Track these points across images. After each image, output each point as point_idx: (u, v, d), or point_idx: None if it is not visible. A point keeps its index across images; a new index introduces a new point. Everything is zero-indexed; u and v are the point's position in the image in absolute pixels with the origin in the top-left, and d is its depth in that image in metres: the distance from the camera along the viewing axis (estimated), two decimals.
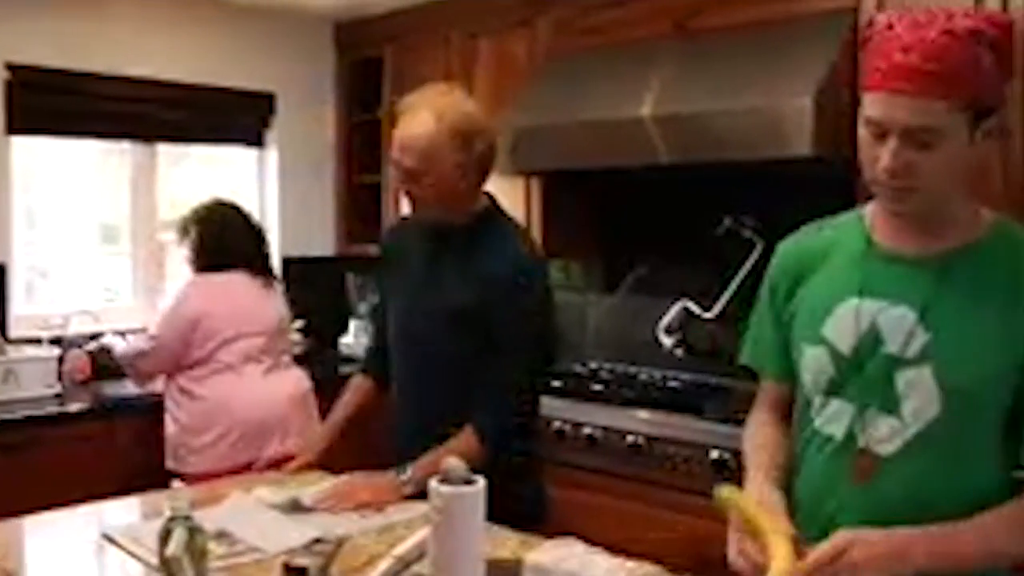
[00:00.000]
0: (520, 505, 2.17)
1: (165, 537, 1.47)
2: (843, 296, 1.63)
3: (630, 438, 3.36)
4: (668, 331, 4.01)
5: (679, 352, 3.99)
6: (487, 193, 2.43)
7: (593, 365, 4.22)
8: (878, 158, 1.49)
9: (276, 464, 2.72)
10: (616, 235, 4.29)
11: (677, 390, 3.71)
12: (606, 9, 3.89)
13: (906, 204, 1.54)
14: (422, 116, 2.22)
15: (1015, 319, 1.48)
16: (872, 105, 1.48)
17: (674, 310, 3.98)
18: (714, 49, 3.49)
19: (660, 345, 4.03)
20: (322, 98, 5.07)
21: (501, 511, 1.83)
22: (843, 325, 1.62)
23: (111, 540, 1.98)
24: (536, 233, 4.17)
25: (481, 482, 1.26)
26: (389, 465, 2.29)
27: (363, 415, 2.61)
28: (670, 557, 1.91)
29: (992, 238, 1.55)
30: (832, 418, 1.64)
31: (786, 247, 1.82)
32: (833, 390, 1.64)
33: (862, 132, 1.52)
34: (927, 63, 1.42)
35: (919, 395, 1.52)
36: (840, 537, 1.47)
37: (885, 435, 1.56)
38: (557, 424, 3.57)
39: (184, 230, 3.59)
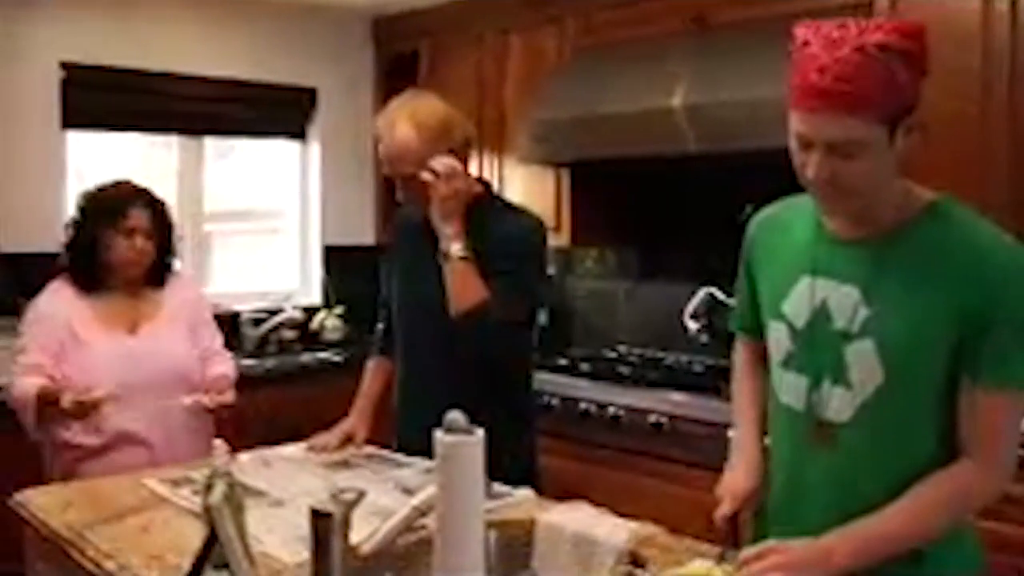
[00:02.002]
0: (510, 473, 2.28)
1: (208, 487, 1.64)
2: (799, 275, 1.76)
3: (652, 418, 3.50)
4: (694, 316, 4.14)
5: (704, 337, 4.12)
6: (481, 179, 2.62)
7: (622, 350, 4.36)
8: (806, 165, 1.60)
9: None
10: (642, 224, 4.41)
11: (700, 373, 3.84)
12: (631, 6, 4.02)
13: (836, 206, 1.66)
14: (400, 126, 2.41)
15: (943, 294, 1.58)
16: (795, 121, 1.58)
17: (699, 296, 4.11)
18: (739, 42, 3.60)
19: (686, 330, 4.16)
20: (361, 92, 5.23)
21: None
22: (799, 302, 1.75)
23: (157, 493, 2.21)
24: (566, 222, 4.30)
25: (480, 432, 1.40)
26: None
27: (388, 393, 2.77)
28: (683, 529, 2.04)
29: (926, 218, 1.64)
30: (790, 390, 1.78)
31: (756, 220, 1.96)
32: (790, 363, 1.78)
33: (792, 143, 1.62)
34: (840, 84, 1.49)
35: (864, 366, 1.65)
36: (764, 545, 1.62)
37: (838, 404, 1.69)
38: (583, 405, 3.71)
39: (165, 222, 2.95)
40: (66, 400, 2.53)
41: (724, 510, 1.88)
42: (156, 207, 2.89)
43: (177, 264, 3.04)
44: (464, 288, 2.36)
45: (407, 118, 2.42)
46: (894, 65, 1.49)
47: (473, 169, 4.48)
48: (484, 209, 2.50)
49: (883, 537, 1.59)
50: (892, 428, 1.66)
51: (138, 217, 2.82)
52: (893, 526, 1.59)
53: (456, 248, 2.35)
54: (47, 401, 2.60)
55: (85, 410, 2.54)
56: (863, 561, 1.59)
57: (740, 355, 2.05)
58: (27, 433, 2.74)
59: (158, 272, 2.92)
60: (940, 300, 1.59)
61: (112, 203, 2.84)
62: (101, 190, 2.90)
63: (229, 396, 2.82)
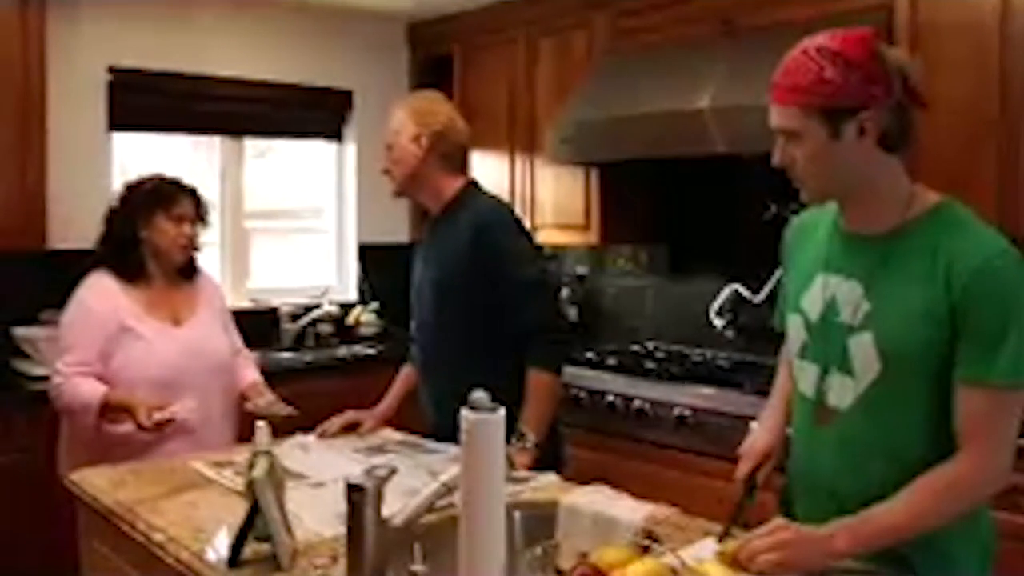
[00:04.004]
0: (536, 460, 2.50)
1: (251, 465, 1.77)
2: (816, 271, 1.88)
3: (677, 411, 3.59)
4: (720, 313, 4.23)
5: (730, 333, 4.20)
6: (471, 180, 2.79)
7: (649, 345, 4.46)
8: None
9: None
10: (670, 222, 4.51)
11: (725, 368, 3.92)
12: (660, 10, 4.11)
13: (804, 193, 1.80)
14: (398, 107, 2.75)
15: (934, 293, 1.68)
16: None
17: (725, 293, 4.20)
18: (767, 46, 3.63)
19: (712, 326, 4.25)
20: (397, 94, 5.32)
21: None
22: (813, 296, 1.86)
23: (203, 474, 2.37)
24: (595, 221, 4.41)
25: (502, 410, 1.51)
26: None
27: (411, 399, 2.95)
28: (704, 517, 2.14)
29: (926, 219, 1.74)
30: (805, 378, 1.89)
31: (791, 224, 2.07)
32: (805, 353, 1.89)
33: None
34: (783, 78, 1.72)
35: (864, 357, 1.75)
36: (774, 523, 1.72)
37: (842, 391, 1.80)
38: (609, 398, 3.82)
39: (204, 215, 3.03)
40: (143, 415, 2.61)
41: (742, 470, 2.03)
42: (198, 197, 2.98)
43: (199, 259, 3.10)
44: (549, 408, 2.61)
45: (404, 100, 2.81)
46: (823, 63, 1.67)
47: (503, 167, 4.64)
48: (459, 207, 2.73)
49: (881, 529, 1.68)
50: (888, 415, 1.75)
51: (186, 205, 2.90)
52: (889, 519, 1.68)
53: (532, 441, 2.53)
54: (114, 408, 2.69)
55: (161, 428, 2.64)
56: (861, 549, 1.68)
57: (783, 353, 2.16)
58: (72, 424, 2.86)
59: (191, 265, 3.00)
60: (932, 298, 1.68)
61: (162, 190, 2.91)
62: (145, 180, 2.96)
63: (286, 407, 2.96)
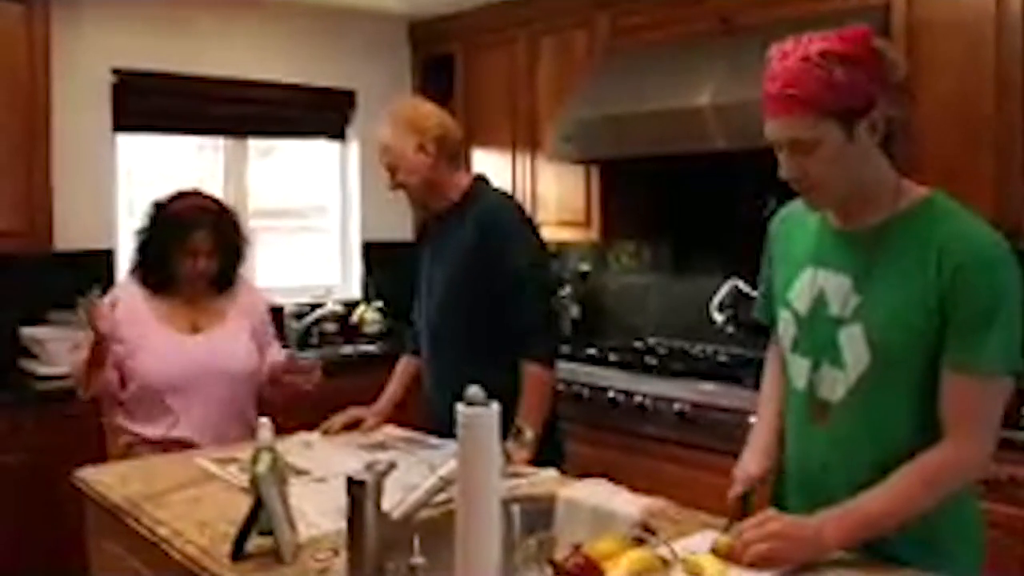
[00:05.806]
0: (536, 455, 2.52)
1: (254, 461, 1.81)
2: (804, 266, 1.90)
3: (677, 406, 3.63)
4: (720, 308, 4.25)
5: (730, 328, 4.23)
6: (479, 176, 2.84)
7: (651, 341, 4.49)
8: (780, 166, 1.77)
9: None
10: (670, 219, 4.54)
11: (724, 363, 3.96)
12: (659, 8, 4.15)
13: (814, 200, 1.80)
14: (383, 126, 2.73)
15: (923, 284, 1.70)
16: (766, 127, 1.74)
17: (725, 288, 4.22)
18: (763, 43, 3.66)
19: (713, 322, 4.27)
20: (399, 94, 5.34)
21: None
22: (802, 291, 1.89)
23: (207, 470, 2.41)
24: (596, 218, 4.44)
25: (495, 405, 1.55)
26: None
27: (413, 389, 3.00)
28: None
29: (915, 212, 1.76)
30: (796, 372, 1.91)
31: (777, 216, 2.08)
32: (796, 347, 1.91)
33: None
34: (787, 88, 1.67)
35: (854, 349, 1.78)
36: (764, 514, 1.76)
37: (833, 384, 1.82)
38: (611, 393, 3.85)
39: (229, 237, 2.99)
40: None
41: (736, 490, 2.04)
42: (221, 225, 2.92)
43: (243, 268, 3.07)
44: (544, 401, 2.65)
45: (388, 116, 2.76)
46: (832, 67, 1.64)
47: (505, 165, 4.67)
48: (469, 204, 2.76)
49: (867, 516, 1.71)
50: (878, 406, 1.78)
51: (201, 240, 2.85)
52: (876, 506, 1.71)
53: (529, 435, 2.54)
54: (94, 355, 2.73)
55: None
56: (849, 541, 1.72)
57: (771, 349, 2.18)
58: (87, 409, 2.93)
59: (222, 280, 2.98)
60: (921, 289, 1.70)
61: (177, 224, 2.86)
62: (172, 201, 2.93)
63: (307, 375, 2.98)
